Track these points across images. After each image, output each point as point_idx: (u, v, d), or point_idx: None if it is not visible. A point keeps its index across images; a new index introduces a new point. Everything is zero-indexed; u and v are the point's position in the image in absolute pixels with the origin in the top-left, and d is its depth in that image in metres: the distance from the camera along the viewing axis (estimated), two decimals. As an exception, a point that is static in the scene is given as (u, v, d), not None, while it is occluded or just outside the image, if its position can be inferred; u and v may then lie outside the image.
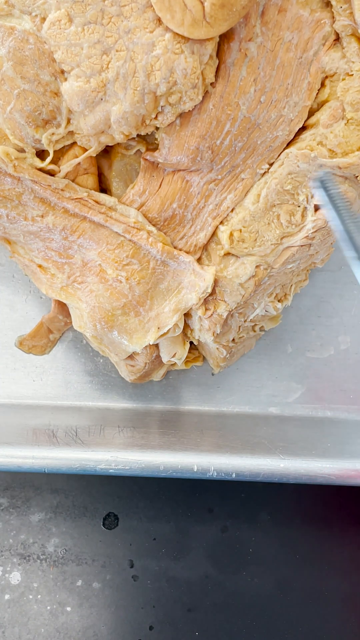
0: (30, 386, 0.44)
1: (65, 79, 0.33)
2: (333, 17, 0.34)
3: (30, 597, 0.43)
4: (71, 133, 0.35)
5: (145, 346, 0.38)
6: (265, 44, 0.33)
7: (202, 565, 0.44)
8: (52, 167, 0.35)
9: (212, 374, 0.45)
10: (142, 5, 0.31)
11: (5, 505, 0.44)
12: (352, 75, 0.34)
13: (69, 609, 0.43)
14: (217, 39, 0.32)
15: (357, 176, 0.35)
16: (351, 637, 0.44)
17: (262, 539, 0.45)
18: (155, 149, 0.36)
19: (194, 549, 0.44)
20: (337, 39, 0.34)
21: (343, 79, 0.34)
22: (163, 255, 0.36)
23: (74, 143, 0.36)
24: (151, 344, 0.38)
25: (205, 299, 0.38)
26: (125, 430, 0.40)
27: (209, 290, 0.36)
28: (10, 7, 0.32)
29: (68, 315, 0.42)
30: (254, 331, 0.42)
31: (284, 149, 0.35)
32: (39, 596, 0.43)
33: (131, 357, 0.40)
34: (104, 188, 0.38)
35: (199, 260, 0.38)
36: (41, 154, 0.36)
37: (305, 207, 0.35)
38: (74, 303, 0.38)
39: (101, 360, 0.44)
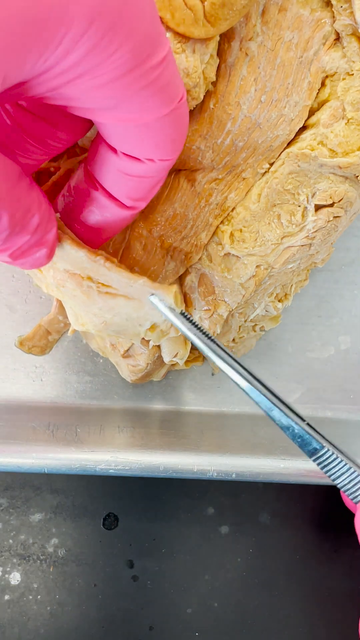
0: (30, 386, 0.44)
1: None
2: (333, 17, 0.34)
3: (30, 597, 0.43)
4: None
5: (147, 346, 0.38)
6: (265, 43, 0.33)
7: (202, 566, 0.44)
8: (53, 164, 0.35)
9: (212, 374, 0.45)
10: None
11: (5, 506, 0.44)
12: (353, 74, 0.34)
13: (68, 609, 0.43)
14: (218, 38, 0.32)
15: (358, 176, 0.35)
16: (353, 637, 0.44)
17: (262, 540, 0.45)
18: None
19: (194, 549, 0.44)
20: (338, 38, 0.34)
21: (343, 79, 0.34)
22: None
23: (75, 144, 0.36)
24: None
25: (205, 299, 0.38)
26: (125, 430, 0.40)
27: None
28: None
29: (67, 316, 0.42)
30: (254, 331, 0.42)
31: (285, 149, 0.35)
32: (39, 596, 0.43)
33: (133, 357, 0.40)
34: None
35: (200, 260, 0.38)
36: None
37: (306, 207, 0.35)
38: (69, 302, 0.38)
39: (101, 360, 0.44)
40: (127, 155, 0.26)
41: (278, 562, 0.44)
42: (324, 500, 0.46)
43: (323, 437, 0.29)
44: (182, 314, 0.31)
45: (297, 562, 0.44)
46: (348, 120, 0.34)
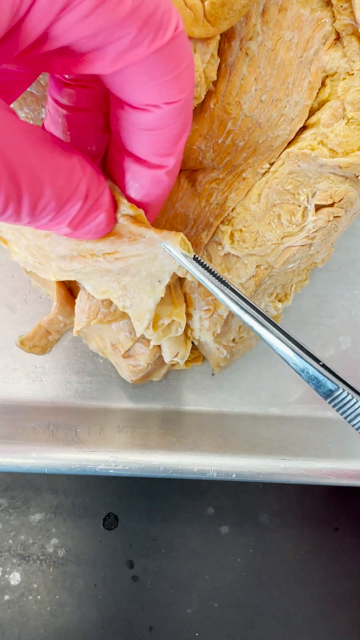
0: (30, 386, 0.44)
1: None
2: (333, 16, 0.34)
3: (30, 597, 0.43)
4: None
5: (148, 346, 0.38)
6: (265, 43, 0.33)
7: (202, 566, 0.44)
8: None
9: (212, 374, 0.45)
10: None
11: (4, 506, 0.44)
12: (353, 74, 0.34)
13: (68, 609, 0.43)
14: (219, 38, 0.32)
15: (358, 176, 0.35)
16: (354, 637, 0.44)
17: (262, 540, 0.45)
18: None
19: (194, 549, 0.44)
20: (338, 38, 0.34)
21: (344, 79, 0.34)
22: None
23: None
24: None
25: (205, 299, 0.38)
26: (125, 430, 0.40)
27: None
28: None
29: (68, 316, 0.42)
30: (255, 331, 0.42)
31: (285, 149, 0.35)
32: (39, 597, 0.43)
33: (133, 357, 0.40)
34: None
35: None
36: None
37: (306, 207, 0.35)
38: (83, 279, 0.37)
39: (101, 361, 0.44)
40: (133, 107, 0.25)
41: (278, 562, 0.44)
42: (324, 500, 0.46)
43: (339, 377, 0.28)
44: (195, 258, 0.31)
45: (297, 562, 0.44)
46: (348, 120, 0.34)
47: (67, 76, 0.27)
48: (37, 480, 0.44)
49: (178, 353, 0.39)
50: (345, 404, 0.28)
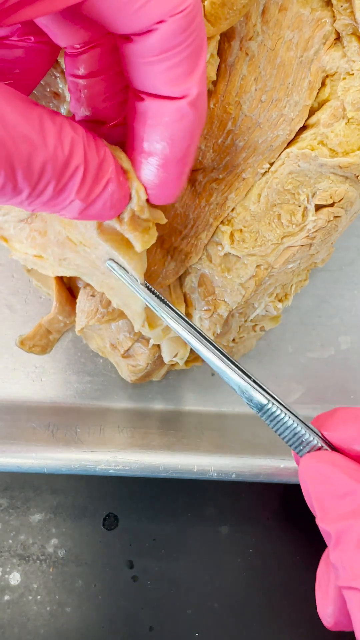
0: (30, 386, 0.44)
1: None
2: (334, 16, 0.34)
3: (30, 597, 0.43)
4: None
5: (147, 345, 0.38)
6: (265, 42, 0.33)
7: (202, 566, 0.44)
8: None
9: (212, 374, 0.45)
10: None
11: (4, 506, 0.44)
12: (353, 74, 0.34)
13: (68, 609, 0.43)
14: (218, 38, 0.32)
15: (358, 176, 0.35)
16: (353, 637, 0.44)
17: (262, 540, 0.45)
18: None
19: (194, 549, 0.44)
20: (338, 38, 0.34)
21: (344, 79, 0.34)
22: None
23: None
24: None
25: (205, 299, 0.38)
26: (125, 430, 0.40)
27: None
28: None
29: (68, 316, 0.42)
30: (255, 331, 0.42)
31: (285, 149, 0.35)
32: (39, 597, 0.43)
33: (133, 357, 0.40)
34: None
35: (200, 260, 0.38)
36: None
37: (306, 207, 0.35)
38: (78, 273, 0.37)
39: (101, 361, 0.44)
40: (137, 33, 0.24)
41: (278, 562, 0.44)
42: (324, 500, 0.46)
43: (267, 392, 0.30)
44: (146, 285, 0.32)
45: (297, 562, 0.44)
46: (348, 120, 0.34)
47: (77, 45, 0.26)
48: (37, 480, 0.44)
49: (177, 353, 0.39)
50: (274, 417, 0.30)
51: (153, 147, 0.26)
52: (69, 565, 0.44)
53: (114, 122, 0.28)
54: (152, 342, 0.38)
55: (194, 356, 0.44)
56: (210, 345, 0.31)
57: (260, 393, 0.30)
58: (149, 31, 0.23)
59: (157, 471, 0.36)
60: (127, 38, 0.24)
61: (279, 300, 0.41)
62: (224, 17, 0.30)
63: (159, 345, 0.39)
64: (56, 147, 0.23)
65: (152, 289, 0.33)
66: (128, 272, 0.32)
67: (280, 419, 0.30)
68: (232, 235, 0.36)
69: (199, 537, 0.44)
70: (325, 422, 0.31)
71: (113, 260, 0.32)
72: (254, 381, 0.31)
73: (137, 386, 0.44)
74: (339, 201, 0.35)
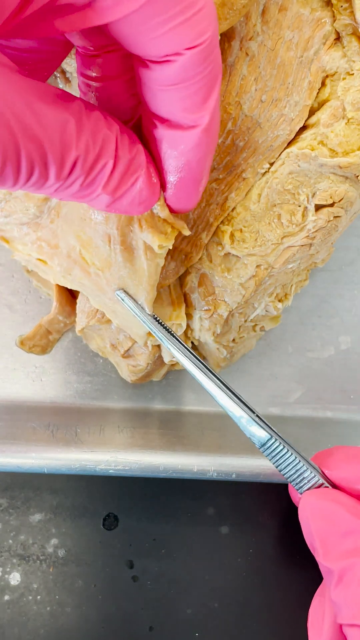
0: (30, 386, 0.44)
1: (68, 80, 0.33)
2: (333, 16, 0.34)
3: (30, 597, 0.43)
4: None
5: (147, 346, 0.38)
6: (265, 42, 0.33)
7: (202, 566, 0.44)
8: None
9: (212, 374, 0.45)
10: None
11: (4, 506, 0.44)
12: (353, 74, 0.34)
13: (68, 609, 0.43)
14: (218, 38, 0.32)
15: (358, 176, 0.35)
16: (352, 638, 0.44)
17: (262, 540, 0.45)
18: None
19: (194, 549, 0.44)
20: (338, 38, 0.34)
21: (344, 79, 0.34)
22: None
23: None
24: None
25: (205, 299, 0.38)
26: (125, 430, 0.40)
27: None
28: None
29: (68, 316, 0.42)
30: (255, 331, 0.42)
31: (285, 149, 0.35)
32: (39, 597, 0.43)
33: (133, 357, 0.40)
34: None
35: (200, 260, 0.38)
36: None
37: (306, 207, 0.35)
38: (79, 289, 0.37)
39: (101, 361, 0.44)
40: (154, 61, 0.24)
41: (278, 562, 0.44)
42: (324, 500, 0.45)
43: (271, 428, 0.31)
44: (155, 318, 0.33)
45: (297, 562, 0.44)
46: (348, 120, 0.34)
47: (91, 47, 0.26)
48: (37, 480, 0.44)
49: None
50: (277, 454, 0.30)
51: (170, 170, 0.27)
52: (69, 565, 0.44)
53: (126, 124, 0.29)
54: (152, 342, 0.38)
55: (194, 356, 0.44)
56: (216, 379, 0.31)
57: (262, 428, 0.30)
58: (166, 61, 0.24)
59: (157, 471, 0.36)
60: (144, 64, 0.25)
61: (279, 300, 0.41)
62: (224, 17, 0.30)
63: (159, 346, 0.39)
64: (88, 144, 0.24)
65: (160, 320, 0.33)
66: (137, 302, 0.32)
67: (282, 455, 0.30)
68: (232, 235, 0.36)
69: (199, 537, 0.44)
70: (325, 460, 0.31)
71: (123, 290, 0.32)
72: (257, 416, 0.31)
73: (137, 386, 0.44)
74: (339, 201, 0.35)
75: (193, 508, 0.45)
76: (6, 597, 0.43)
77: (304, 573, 0.45)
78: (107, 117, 0.25)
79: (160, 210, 0.29)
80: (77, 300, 0.39)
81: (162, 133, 0.26)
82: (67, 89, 0.33)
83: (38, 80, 0.25)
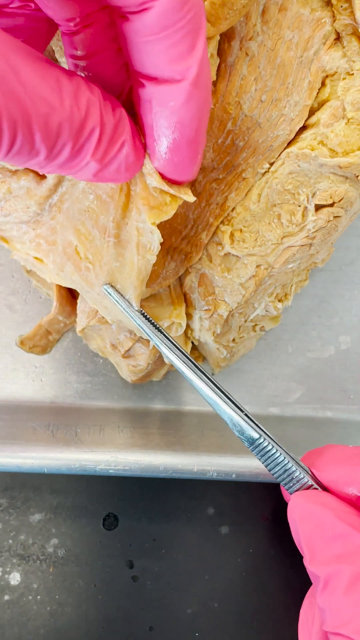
0: (30, 386, 0.44)
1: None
2: (333, 16, 0.34)
3: (30, 597, 0.43)
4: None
5: (148, 346, 0.38)
6: (265, 42, 0.33)
7: (202, 566, 0.44)
8: None
9: (212, 374, 0.45)
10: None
11: (4, 506, 0.44)
12: (353, 74, 0.34)
13: (68, 609, 0.43)
14: (218, 38, 0.32)
15: (358, 176, 0.35)
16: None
17: (262, 540, 0.45)
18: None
19: (194, 549, 0.44)
20: (338, 38, 0.34)
21: (344, 79, 0.34)
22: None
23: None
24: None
25: (205, 299, 0.38)
26: (125, 430, 0.40)
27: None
28: None
29: (68, 316, 0.42)
30: (254, 331, 0.42)
31: (285, 149, 0.35)
32: (39, 597, 0.43)
33: (133, 357, 0.40)
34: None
35: (200, 260, 0.38)
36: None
37: (306, 207, 0.35)
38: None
39: (101, 361, 0.44)
40: (132, 12, 0.23)
41: (278, 562, 0.44)
42: (324, 500, 0.45)
43: (260, 427, 0.30)
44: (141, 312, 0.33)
45: (297, 562, 0.44)
46: (348, 120, 0.34)
47: (71, 24, 0.26)
48: (37, 480, 0.44)
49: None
50: (266, 453, 0.30)
51: (163, 133, 0.26)
52: (69, 565, 0.44)
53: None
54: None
55: (194, 356, 0.44)
56: (204, 376, 0.31)
57: (252, 427, 0.30)
58: (144, 9, 0.23)
59: (157, 471, 0.36)
60: (124, 17, 0.24)
61: (279, 300, 0.41)
62: (224, 17, 0.30)
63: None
64: (72, 107, 0.23)
65: (147, 315, 0.33)
66: (124, 297, 0.32)
67: (272, 455, 0.30)
68: (232, 235, 0.36)
69: (199, 537, 0.44)
70: (315, 459, 0.31)
71: (110, 285, 0.32)
72: (246, 415, 0.31)
73: (137, 386, 0.44)
74: (339, 201, 0.35)
75: (193, 508, 0.45)
76: (6, 597, 0.43)
77: (303, 573, 0.44)
78: (89, 83, 0.25)
79: (152, 179, 0.28)
80: (78, 301, 0.39)
81: (151, 91, 0.25)
82: None
83: None
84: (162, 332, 0.33)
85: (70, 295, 0.42)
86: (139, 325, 0.32)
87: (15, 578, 0.43)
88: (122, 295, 0.32)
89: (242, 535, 0.44)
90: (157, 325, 0.33)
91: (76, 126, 0.24)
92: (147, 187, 0.29)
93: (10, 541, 0.44)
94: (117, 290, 0.32)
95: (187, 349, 0.40)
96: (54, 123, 0.23)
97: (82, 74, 0.27)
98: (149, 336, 0.32)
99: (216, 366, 0.43)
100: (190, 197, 0.30)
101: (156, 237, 0.30)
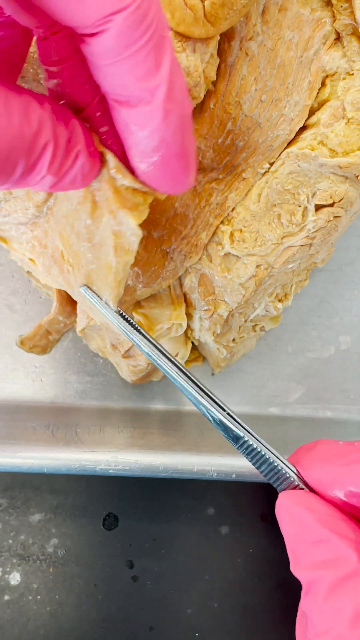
0: (30, 386, 0.44)
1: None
2: (333, 16, 0.34)
3: (30, 597, 0.43)
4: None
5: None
6: (265, 42, 0.33)
7: (202, 566, 0.44)
8: None
9: (212, 374, 0.45)
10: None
11: (4, 506, 0.44)
12: (353, 74, 0.34)
13: (68, 609, 0.43)
14: (218, 38, 0.32)
15: (358, 176, 0.35)
16: None
17: (262, 540, 0.45)
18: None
19: (194, 549, 0.44)
20: (338, 38, 0.34)
21: (344, 79, 0.34)
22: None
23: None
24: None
25: (205, 299, 0.38)
26: (125, 430, 0.40)
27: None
28: None
29: (68, 316, 0.42)
30: (254, 331, 0.42)
31: (285, 149, 0.35)
32: (39, 597, 0.43)
33: (133, 357, 0.40)
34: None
35: (200, 260, 0.38)
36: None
37: (306, 207, 0.35)
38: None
39: (101, 361, 0.44)
40: (88, 34, 0.22)
41: (278, 562, 0.44)
42: (324, 500, 0.45)
43: (243, 427, 0.30)
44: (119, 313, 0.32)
45: (297, 562, 0.44)
46: (348, 120, 0.34)
47: (40, 30, 0.25)
48: (37, 480, 0.44)
49: (178, 353, 0.39)
50: (251, 451, 0.30)
51: (148, 153, 0.26)
52: (69, 565, 0.44)
53: (90, 105, 0.27)
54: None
55: (194, 356, 0.44)
56: (185, 376, 0.31)
57: (234, 426, 0.30)
58: (100, 31, 0.22)
59: (157, 471, 0.36)
60: (83, 40, 0.23)
61: (279, 300, 0.41)
62: (224, 17, 0.30)
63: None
64: (22, 125, 0.23)
65: (126, 315, 0.33)
66: (102, 299, 0.32)
67: (257, 453, 0.30)
68: (232, 235, 0.36)
69: (199, 537, 0.44)
70: (303, 457, 0.30)
71: (87, 286, 0.32)
72: (229, 414, 0.30)
73: (137, 386, 0.44)
74: (339, 201, 0.35)
75: (193, 508, 0.45)
76: (6, 597, 0.43)
77: (304, 573, 0.44)
78: (38, 96, 0.24)
79: (124, 179, 0.27)
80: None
81: (127, 115, 0.25)
82: None
83: (11, 74, 0.24)
84: (141, 333, 0.32)
85: (70, 296, 0.42)
86: (116, 324, 0.32)
87: (15, 578, 0.43)
88: (99, 296, 0.32)
89: (242, 535, 0.44)
90: (136, 325, 0.33)
91: (27, 143, 0.23)
92: (118, 190, 0.28)
93: (10, 541, 0.44)
94: (94, 292, 0.32)
95: (187, 349, 0.40)
96: (3, 142, 0.22)
97: (54, 82, 0.27)
98: (128, 335, 0.32)
99: (216, 366, 0.43)
100: (162, 195, 0.29)
101: (137, 239, 0.30)
